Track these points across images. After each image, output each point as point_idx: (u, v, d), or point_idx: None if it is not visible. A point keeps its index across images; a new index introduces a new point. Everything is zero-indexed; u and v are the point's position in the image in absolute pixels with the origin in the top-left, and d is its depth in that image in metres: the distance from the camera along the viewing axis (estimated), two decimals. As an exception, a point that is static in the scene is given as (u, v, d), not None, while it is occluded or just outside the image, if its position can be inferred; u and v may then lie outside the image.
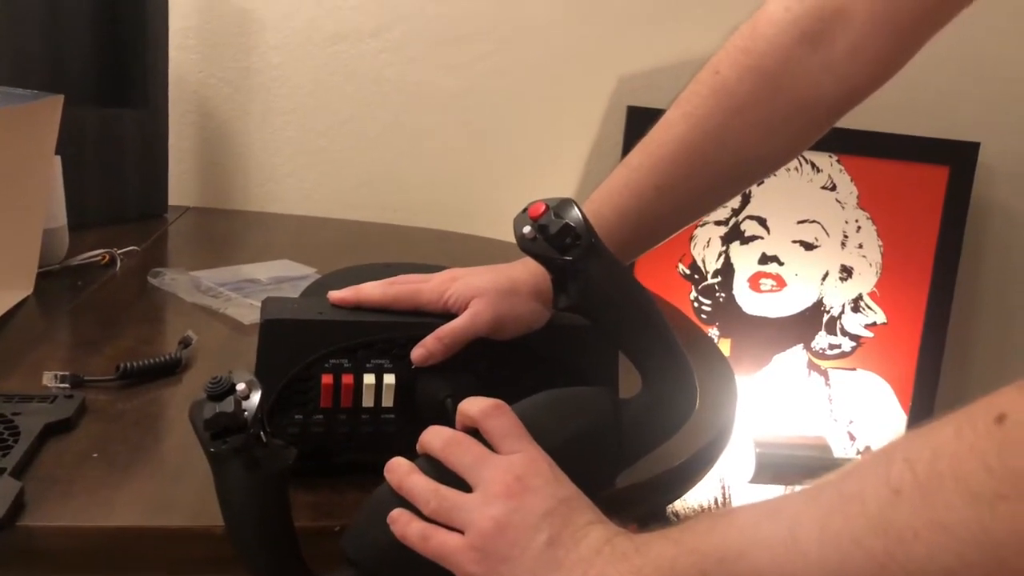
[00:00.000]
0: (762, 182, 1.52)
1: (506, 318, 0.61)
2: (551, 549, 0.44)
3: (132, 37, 1.21)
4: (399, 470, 0.50)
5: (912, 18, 0.60)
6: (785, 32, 0.62)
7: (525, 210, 0.54)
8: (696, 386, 0.57)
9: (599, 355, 0.65)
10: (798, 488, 0.39)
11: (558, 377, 0.64)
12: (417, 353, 0.59)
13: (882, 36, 0.60)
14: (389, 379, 0.60)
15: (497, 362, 0.62)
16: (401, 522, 0.48)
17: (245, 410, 0.47)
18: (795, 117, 0.63)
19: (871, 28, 0.60)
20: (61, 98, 0.93)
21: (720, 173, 0.64)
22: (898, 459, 0.34)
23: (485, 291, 0.61)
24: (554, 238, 0.53)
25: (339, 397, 0.59)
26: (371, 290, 0.62)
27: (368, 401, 0.59)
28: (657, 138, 0.64)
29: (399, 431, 0.60)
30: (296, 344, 0.59)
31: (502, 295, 0.61)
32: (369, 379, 0.59)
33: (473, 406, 0.50)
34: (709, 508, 0.42)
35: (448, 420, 0.53)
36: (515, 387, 0.56)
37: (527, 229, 0.53)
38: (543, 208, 0.54)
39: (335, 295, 0.62)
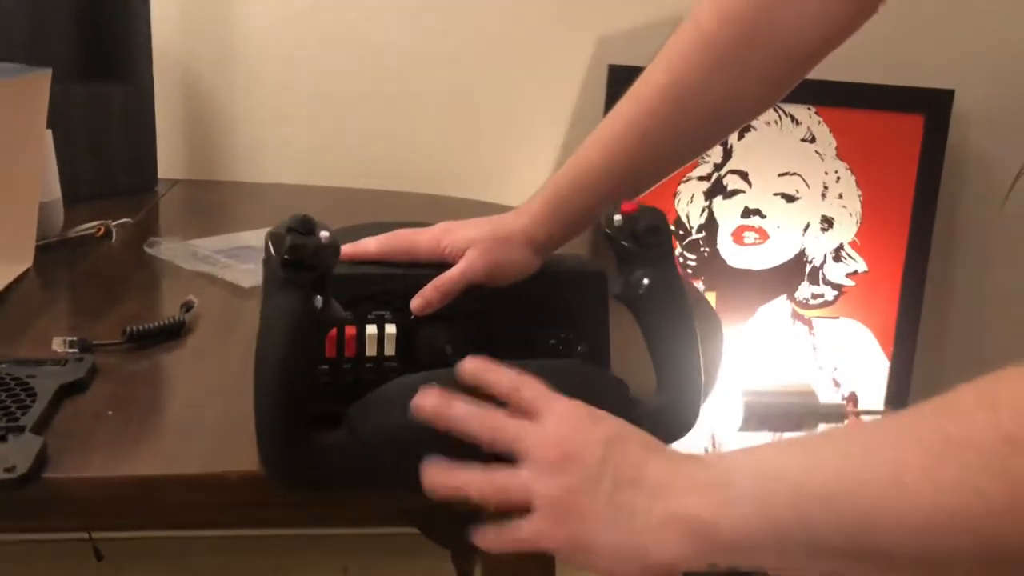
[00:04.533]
0: (743, 136, 1.54)
1: (501, 265, 0.63)
2: (617, 495, 0.44)
3: (114, 10, 1.22)
4: (434, 399, 0.49)
5: None
6: None
7: (617, 203, 0.60)
8: (700, 402, 0.61)
9: (591, 300, 0.67)
10: (866, 419, 0.40)
11: (551, 322, 0.66)
12: (416, 303, 0.62)
13: None
14: (390, 329, 0.62)
15: (493, 308, 0.64)
16: (442, 474, 0.48)
17: (324, 253, 0.50)
18: (775, 63, 0.65)
19: None
20: (49, 72, 0.94)
21: (704, 120, 0.66)
22: (1004, 407, 0.34)
23: (479, 240, 0.63)
24: (642, 232, 0.59)
25: (343, 348, 0.61)
26: (368, 244, 0.64)
27: (371, 351, 0.62)
28: (642, 88, 0.66)
29: (402, 378, 0.62)
30: None
31: (496, 243, 0.63)
32: (371, 330, 0.62)
33: (503, 377, 0.50)
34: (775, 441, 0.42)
35: (448, 366, 0.56)
36: (511, 332, 0.59)
37: (617, 217, 0.59)
38: (635, 206, 0.59)
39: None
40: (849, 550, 0.38)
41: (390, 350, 0.62)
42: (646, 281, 0.59)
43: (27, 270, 0.91)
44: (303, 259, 0.50)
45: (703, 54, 0.64)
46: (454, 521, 0.80)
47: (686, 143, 0.67)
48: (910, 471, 0.36)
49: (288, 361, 0.51)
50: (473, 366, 0.51)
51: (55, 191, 1.02)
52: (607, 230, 0.59)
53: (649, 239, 0.59)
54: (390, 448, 0.52)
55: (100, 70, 1.23)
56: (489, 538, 0.47)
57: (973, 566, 0.36)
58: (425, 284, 0.62)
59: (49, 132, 0.99)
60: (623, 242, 0.59)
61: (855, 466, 0.38)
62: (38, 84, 0.93)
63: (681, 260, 1.58)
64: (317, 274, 0.50)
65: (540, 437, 0.47)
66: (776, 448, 0.43)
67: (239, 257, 0.96)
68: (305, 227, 0.51)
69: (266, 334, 0.51)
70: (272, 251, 0.50)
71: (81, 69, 1.21)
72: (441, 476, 0.48)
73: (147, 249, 0.99)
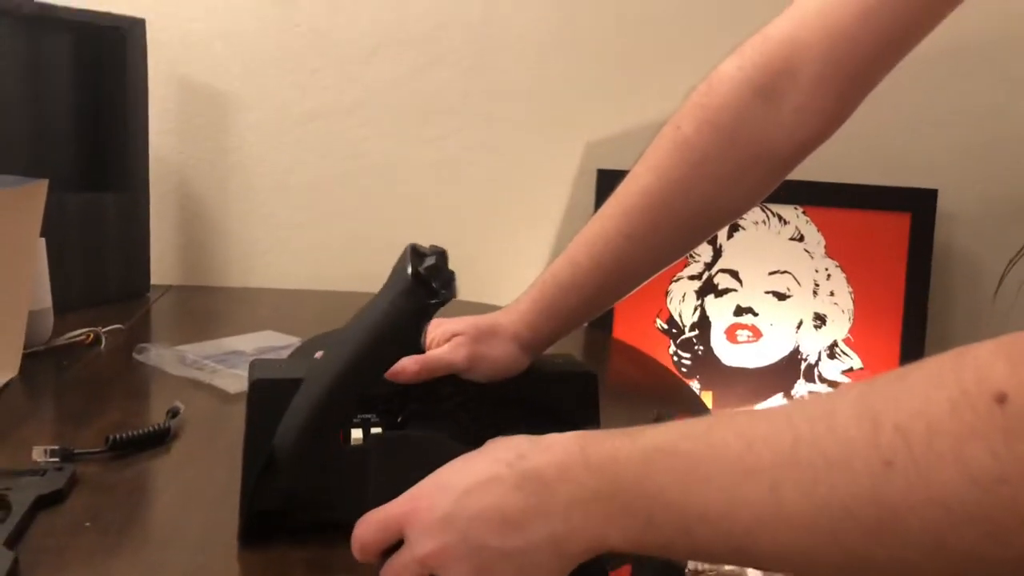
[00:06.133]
0: (732, 235, 1.56)
1: (483, 356, 0.63)
2: (504, 548, 0.43)
3: (113, 122, 1.25)
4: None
5: (853, 76, 0.64)
6: (738, 89, 0.66)
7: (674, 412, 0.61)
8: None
9: (582, 400, 0.66)
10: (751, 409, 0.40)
11: (542, 422, 0.65)
12: (392, 368, 0.61)
13: (827, 93, 0.64)
14: (376, 432, 0.61)
15: (480, 410, 0.63)
16: None
17: (450, 288, 0.52)
18: (752, 168, 0.66)
19: (816, 86, 0.64)
20: (45, 183, 0.95)
21: (685, 221, 0.67)
22: (887, 426, 0.34)
23: (464, 331, 0.64)
24: None
25: (328, 453, 0.60)
26: (356, 348, 0.64)
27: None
28: (626, 190, 0.68)
29: (388, 484, 0.61)
30: (284, 403, 0.60)
31: (481, 334, 0.63)
32: (356, 434, 0.61)
33: (355, 544, 0.49)
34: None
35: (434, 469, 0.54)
36: (500, 432, 0.57)
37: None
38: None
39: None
40: (730, 558, 0.40)
41: (376, 455, 0.61)
42: None
43: (12, 378, 0.90)
44: (433, 281, 0.51)
45: (684, 157, 0.65)
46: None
47: (670, 243, 0.68)
48: (786, 489, 0.37)
49: (370, 347, 0.52)
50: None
51: (46, 300, 1.02)
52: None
53: None
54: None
55: (98, 179, 1.25)
56: None
57: (845, 574, 0.37)
58: (412, 386, 0.62)
59: (42, 241, 1.00)
60: None
61: (735, 483, 0.38)
62: (34, 194, 0.95)
63: (675, 359, 1.57)
64: (436, 302, 0.52)
65: (407, 562, 0.46)
66: (649, 459, 0.41)
67: (227, 363, 0.95)
68: (444, 260, 0.52)
69: (360, 322, 0.53)
70: (410, 260, 0.51)
71: (79, 179, 1.24)
72: None
73: (136, 355, 0.98)
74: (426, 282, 0.51)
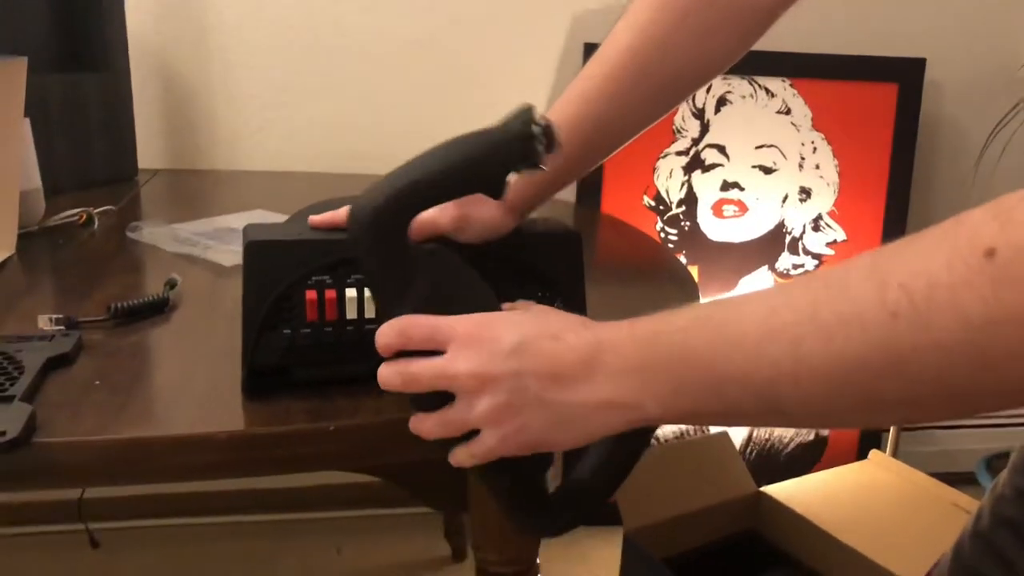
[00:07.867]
0: (719, 110, 1.56)
1: (470, 217, 0.64)
2: (544, 394, 0.48)
3: (88, 1, 1.22)
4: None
5: None
6: None
7: None
8: None
9: (567, 260, 0.69)
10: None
11: (529, 281, 0.68)
12: None
13: None
14: (369, 292, 0.63)
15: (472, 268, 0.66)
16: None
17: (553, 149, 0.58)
18: (732, 22, 0.67)
19: None
20: (24, 60, 0.95)
21: (665, 79, 0.68)
22: (893, 285, 0.38)
23: None
24: None
25: (323, 311, 0.63)
26: (346, 212, 0.65)
27: (351, 313, 0.63)
28: (606, 51, 0.68)
29: (383, 338, 0.63)
30: (279, 264, 0.62)
31: (468, 197, 0.65)
32: (351, 293, 0.63)
33: (385, 336, 0.52)
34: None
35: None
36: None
37: None
38: None
39: (315, 219, 0.66)
40: (758, 413, 0.44)
41: (370, 312, 0.63)
42: None
43: (9, 257, 0.91)
44: (544, 139, 0.56)
45: (664, 14, 0.65)
46: (439, 476, 0.81)
47: (651, 103, 0.69)
48: (807, 346, 0.41)
49: (469, 159, 0.57)
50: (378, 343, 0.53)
51: (35, 180, 1.03)
52: None
53: None
54: None
55: (76, 61, 1.23)
56: (459, 458, 0.52)
57: (861, 415, 0.42)
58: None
59: (27, 120, 1.00)
60: None
61: (760, 342, 0.42)
62: (14, 72, 0.94)
63: (663, 235, 1.59)
64: (534, 157, 0.56)
65: (452, 373, 0.50)
66: (686, 328, 0.46)
67: (221, 239, 0.97)
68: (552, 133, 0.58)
69: (462, 139, 0.58)
70: (533, 113, 0.57)
71: (57, 60, 1.22)
72: (413, 423, 0.53)
73: (129, 234, 0.99)
74: (536, 137, 0.55)
